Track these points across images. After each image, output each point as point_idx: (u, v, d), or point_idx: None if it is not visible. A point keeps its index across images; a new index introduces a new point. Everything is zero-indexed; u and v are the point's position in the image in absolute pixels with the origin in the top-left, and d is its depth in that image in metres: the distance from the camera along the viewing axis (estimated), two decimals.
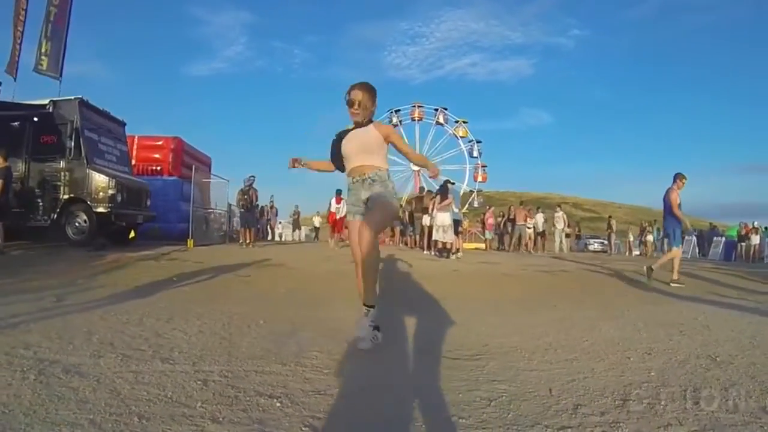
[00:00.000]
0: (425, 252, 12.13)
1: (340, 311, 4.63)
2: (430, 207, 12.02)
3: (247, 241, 12.56)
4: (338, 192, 16.10)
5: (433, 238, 10.99)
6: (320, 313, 4.58)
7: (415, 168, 33.96)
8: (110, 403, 2.05)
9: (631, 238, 22.56)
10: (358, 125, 3.24)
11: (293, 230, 24.24)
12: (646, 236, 21.54)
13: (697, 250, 23.38)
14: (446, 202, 10.73)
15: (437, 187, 12.59)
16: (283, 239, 24.66)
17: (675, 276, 7.65)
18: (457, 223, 11.06)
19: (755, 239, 18.39)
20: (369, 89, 3.22)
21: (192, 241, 11.12)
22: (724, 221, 31.14)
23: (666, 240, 8.42)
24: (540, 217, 17.23)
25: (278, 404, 2.12)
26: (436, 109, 35.59)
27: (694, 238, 24.27)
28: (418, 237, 15.10)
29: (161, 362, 2.70)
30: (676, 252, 7.94)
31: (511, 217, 16.77)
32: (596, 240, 30.02)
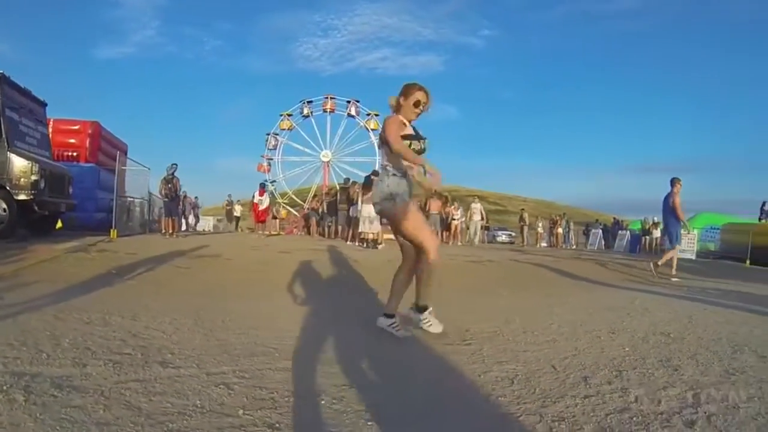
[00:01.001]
0: (348, 243, 12.45)
1: (301, 301, 4.74)
2: (356, 198, 12.32)
3: (170, 231, 12.28)
4: (262, 185, 16.25)
5: (360, 229, 11.33)
6: (284, 303, 4.68)
7: (325, 159, 35.06)
8: (138, 422, 1.85)
9: (541, 231, 24.20)
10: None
11: (228, 221, 23.51)
12: (556, 229, 23.30)
13: (603, 243, 25.70)
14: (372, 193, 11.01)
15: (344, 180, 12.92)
16: (204, 230, 23.89)
17: (673, 272, 8.57)
18: None
19: (656, 233, 20.62)
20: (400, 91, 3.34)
21: (115, 231, 10.49)
22: (622, 215, 34.36)
23: (666, 238, 9.21)
24: (456, 210, 17.78)
25: (322, 401, 2.14)
26: (348, 102, 35.93)
27: (600, 232, 26.69)
28: (340, 228, 15.33)
29: (161, 367, 2.56)
30: (676, 250, 8.79)
31: (427, 208, 17.22)
32: (504, 232, 32.14)
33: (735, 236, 16.84)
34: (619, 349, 3.09)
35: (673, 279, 8.29)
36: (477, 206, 18.22)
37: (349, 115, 35.78)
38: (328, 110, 35.93)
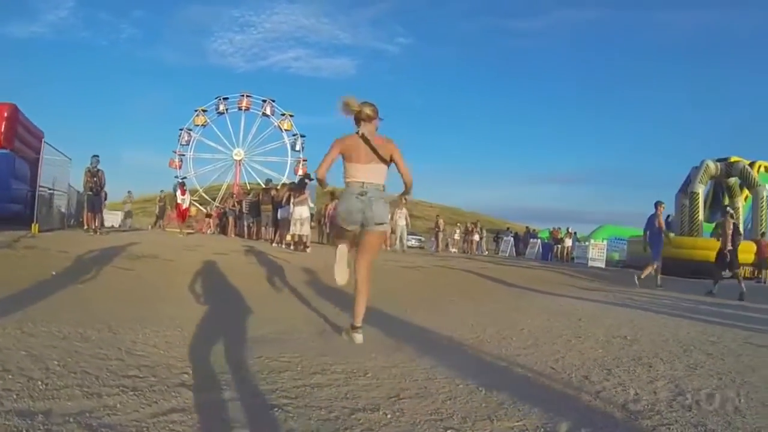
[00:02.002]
0: (274, 245, 12.65)
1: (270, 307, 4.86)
2: (285, 200, 12.62)
3: (93, 227, 11.69)
4: (182, 184, 16.45)
5: (291, 231, 11.55)
6: (266, 311, 4.76)
7: (237, 158, 35.78)
8: None
9: (457, 237, 25.40)
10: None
11: (124, 218, 22.14)
12: (472, 236, 24.61)
13: (514, 250, 27.48)
14: (303, 196, 11.52)
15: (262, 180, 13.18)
16: (113, 226, 22.56)
17: (659, 282, 9.99)
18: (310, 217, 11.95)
19: (568, 242, 22.59)
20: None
21: (36, 226, 9.77)
22: (526, 223, 36.97)
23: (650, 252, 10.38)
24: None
25: (422, 403, 2.36)
26: (264, 101, 36.49)
27: (512, 239, 28.52)
28: (263, 229, 15.57)
29: (189, 390, 2.39)
30: (657, 265, 10.07)
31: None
32: (413, 237, 33.18)
33: (640, 248, 18.79)
34: (594, 351, 3.63)
35: (657, 288, 9.63)
36: (402, 212, 18.00)
37: (264, 114, 36.37)
38: (244, 108, 36.30)
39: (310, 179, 11.98)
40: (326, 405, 2.29)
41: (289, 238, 11.79)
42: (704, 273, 12.40)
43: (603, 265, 18.24)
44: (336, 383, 2.64)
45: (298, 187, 11.82)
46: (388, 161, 3.61)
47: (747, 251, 15.50)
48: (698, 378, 2.94)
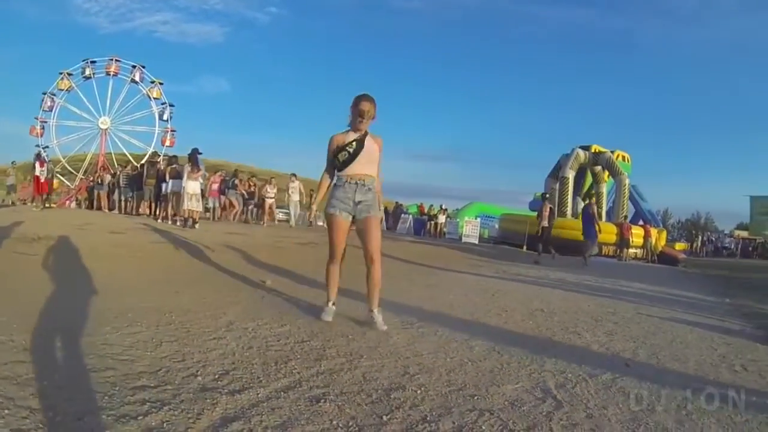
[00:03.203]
0: (160, 221, 12.33)
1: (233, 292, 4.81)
2: (171, 174, 12.35)
3: None
4: (39, 155, 15.68)
5: (185, 206, 11.19)
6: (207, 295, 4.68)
7: (104, 127, 33.99)
8: None
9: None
10: (359, 133, 3.60)
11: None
12: None
13: (384, 225, 28.69)
14: (200, 172, 11.51)
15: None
16: None
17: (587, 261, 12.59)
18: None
19: (441, 218, 24.21)
20: (374, 101, 3.58)
21: None
22: (394, 199, 38.65)
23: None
24: (271, 188, 16.97)
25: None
26: (134, 66, 34.70)
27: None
28: (145, 203, 15.14)
29: (228, 395, 2.16)
30: (594, 246, 13.37)
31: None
32: (281, 210, 32.78)
33: (512, 225, 21.18)
34: (526, 323, 4.29)
35: (587, 265, 12.15)
36: (295, 184, 17.30)
37: (133, 80, 34.57)
38: (112, 73, 34.31)
39: (200, 153, 11.62)
40: (358, 390, 2.38)
41: (186, 213, 11.25)
42: (572, 250, 14.40)
43: (476, 242, 20.03)
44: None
45: (191, 162, 11.45)
46: None
47: (609, 232, 18.31)
48: (619, 342, 3.75)
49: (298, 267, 6.77)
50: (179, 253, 6.93)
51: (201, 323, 3.41)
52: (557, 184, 21.32)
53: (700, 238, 37.75)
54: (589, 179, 23.17)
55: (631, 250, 19.30)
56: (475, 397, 2.36)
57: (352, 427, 1.95)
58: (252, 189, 17.77)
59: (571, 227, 16.80)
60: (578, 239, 13.88)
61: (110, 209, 16.46)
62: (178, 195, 11.65)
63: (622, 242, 18.60)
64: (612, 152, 22.79)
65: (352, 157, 3.58)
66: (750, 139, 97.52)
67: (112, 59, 34.32)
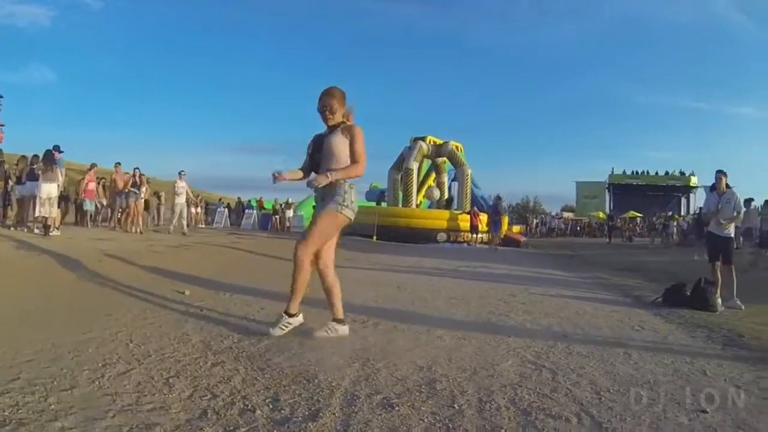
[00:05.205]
0: (14, 229, 10.49)
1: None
2: (25, 175, 10.77)
3: None
4: None
5: (37, 213, 9.86)
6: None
7: None
8: None
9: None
10: (331, 129, 3.60)
11: None
12: (197, 209, 23.89)
13: (228, 221, 27.81)
14: (55, 173, 10.15)
15: None
16: None
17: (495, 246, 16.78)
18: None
19: (290, 213, 24.23)
20: (330, 94, 3.57)
21: None
22: (220, 193, 37.41)
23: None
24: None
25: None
26: None
27: (225, 211, 28.76)
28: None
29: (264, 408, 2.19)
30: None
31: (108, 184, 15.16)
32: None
33: (363, 217, 21.85)
34: (460, 309, 5.01)
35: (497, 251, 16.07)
36: (182, 183, 14.70)
37: None
38: None
39: (60, 151, 10.33)
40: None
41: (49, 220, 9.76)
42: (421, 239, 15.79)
43: None
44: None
45: (47, 161, 10.01)
46: None
47: (465, 221, 20.12)
48: (542, 318, 4.72)
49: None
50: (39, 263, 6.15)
51: None
52: (400, 176, 22.87)
53: (534, 220, 42.77)
54: (424, 170, 25.22)
55: (479, 236, 20.89)
56: (492, 377, 2.88)
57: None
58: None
59: (419, 216, 18.31)
60: (427, 228, 15.30)
61: None
62: (31, 198, 10.18)
63: (473, 229, 20.17)
64: (446, 142, 24.70)
65: (310, 158, 3.69)
66: (569, 130, 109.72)
67: None
